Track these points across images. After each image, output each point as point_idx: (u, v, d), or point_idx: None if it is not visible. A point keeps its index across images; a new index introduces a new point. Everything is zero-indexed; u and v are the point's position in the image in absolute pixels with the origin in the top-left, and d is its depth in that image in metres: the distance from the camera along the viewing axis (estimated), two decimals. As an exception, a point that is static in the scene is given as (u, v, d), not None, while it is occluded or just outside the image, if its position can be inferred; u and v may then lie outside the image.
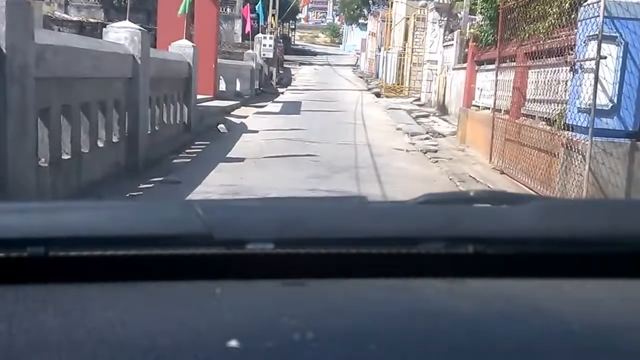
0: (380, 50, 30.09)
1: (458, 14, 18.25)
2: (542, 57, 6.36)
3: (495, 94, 7.82)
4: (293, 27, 58.51)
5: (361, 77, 32.45)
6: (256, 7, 23.21)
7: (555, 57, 5.87)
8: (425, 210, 0.78)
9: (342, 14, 58.59)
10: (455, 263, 0.66)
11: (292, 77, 30.26)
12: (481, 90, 9.78)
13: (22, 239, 0.61)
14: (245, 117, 13.78)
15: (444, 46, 17.28)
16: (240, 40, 30.47)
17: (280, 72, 32.17)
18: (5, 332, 0.51)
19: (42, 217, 0.68)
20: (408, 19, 22.65)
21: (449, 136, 11.65)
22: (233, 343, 0.50)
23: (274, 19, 23.33)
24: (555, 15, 5.91)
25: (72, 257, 0.61)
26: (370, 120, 13.82)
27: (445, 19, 17.95)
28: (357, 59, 44.12)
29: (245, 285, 0.61)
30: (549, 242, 0.69)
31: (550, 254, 0.68)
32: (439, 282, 0.63)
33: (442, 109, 16.43)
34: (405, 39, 22.96)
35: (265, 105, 17.00)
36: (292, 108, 16.09)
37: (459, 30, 15.88)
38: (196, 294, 0.60)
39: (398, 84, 23.00)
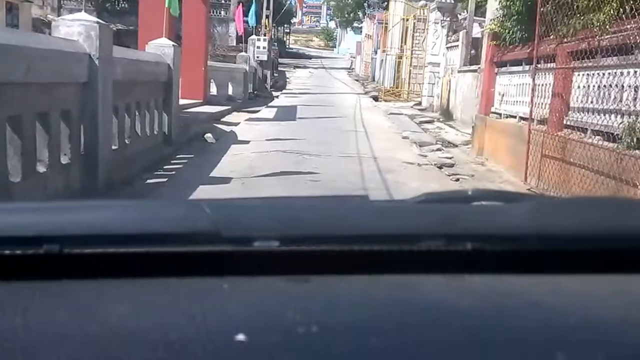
0: (376, 52, 28.95)
1: (459, 14, 17.16)
2: (594, 57, 5.19)
3: (532, 101, 6.63)
4: (288, 30, 57.69)
5: (357, 80, 31.31)
6: (250, 9, 22.08)
7: (618, 56, 4.71)
8: (424, 209, 0.81)
9: (336, 17, 57.58)
10: (454, 260, 0.66)
11: (287, 80, 29.09)
12: (503, 95, 8.61)
13: (38, 237, 0.62)
14: (236, 124, 12.58)
15: (447, 47, 16.16)
16: (234, 43, 29.58)
17: (275, 75, 31.08)
18: (21, 326, 0.53)
19: (57, 216, 0.70)
20: (406, 20, 21.51)
21: (462, 146, 10.47)
22: (240, 337, 0.51)
23: (268, 20, 22.12)
24: (615, 4, 4.73)
25: (86, 254, 0.62)
26: (372, 127, 12.64)
27: (448, 19, 16.81)
28: (352, 62, 43.07)
29: (251, 281, 0.63)
30: (545, 239, 0.70)
31: (546, 250, 0.69)
32: (438, 278, 0.64)
33: (446, 114, 15.29)
34: (403, 40, 21.82)
35: (259, 111, 15.81)
36: (287, 113, 14.90)
37: (464, 30, 14.75)
38: (204, 290, 0.61)
39: (396, 88, 21.84)
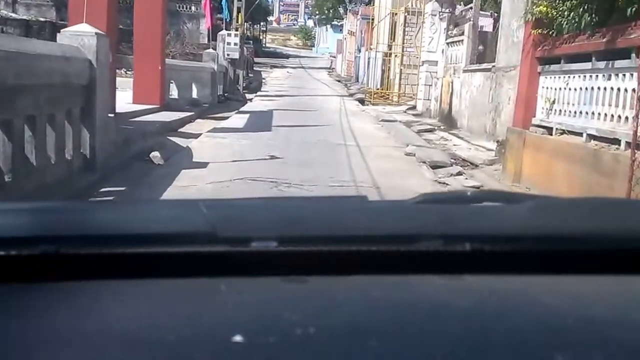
0: (360, 51, 26.59)
1: (457, 5, 14.89)
2: None
3: (639, 116, 4.29)
4: (264, 29, 55.23)
5: (339, 81, 28.92)
6: (222, 2, 19.64)
7: None
8: (423, 209, 0.81)
9: (314, 15, 55.18)
10: (453, 260, 0.66)
11: (263, 81, 26.61)
12: (553, 102, 6.28)
13: (35, 238, 0.61)
14: (197, 135, 10.12)
15: (447, 43, 13.88)
16: (206, 41, 27.43)
17: (250, 75, 28.62)
18: (18, 327, 0.52)
19: (53, 217, 0.70)
20: (395, 14, 19.19)
21: (485, 166, 8.15)
22: (237, 338, 0.50)
23: (240, 13, 19.58)
24: None
25: (83, 255, 0.62)
26: (365, 139, 10.28)
27: (448, 10, 14.51)
28: (332, 62, 40.70)
29: (249, 282, 0.62)
30: (543, 239, 0.70)
31: (545, 250, 0.69)
32: (437, 279, 0.64)
33: (448, 121, 13.01)
34: (392, 37, 19.50)
35: (228, 117, 13.38)
36: (261, 121, 12.50)
37: (470, 22, 12.46)
38: (202, 291, 0.60)
39: (384, 89, 19.50)
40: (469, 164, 8.48)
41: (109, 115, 7.52)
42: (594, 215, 0.79)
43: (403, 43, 17.65)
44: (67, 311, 0.56)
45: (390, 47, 19.29)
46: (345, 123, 12.83)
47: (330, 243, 0.65)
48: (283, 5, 75.26)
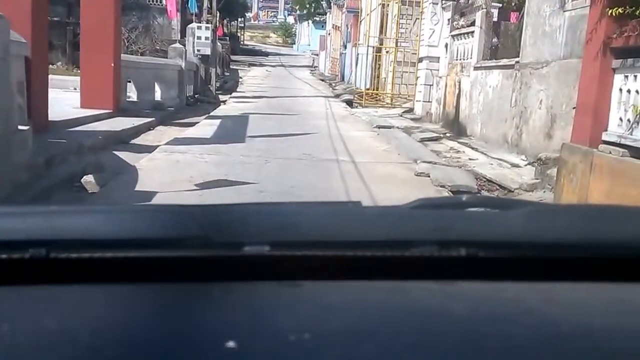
0: (346, 47, 24.61)
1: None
2: None
3: None
4: (242, 25, 53.09)
5: (322, 80, 26.93)
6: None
7: None
8: (418, 215, 0.79)
9: (295, 11, 53.07)
10: (447, 266, 0.66)
11: (240, 80, 24.53)
12: (643, 110, 4.38)
13: (24, 241, 0.61)
14: (153, 148, 8.10)
15: (452, 36, 11.99)
16: (179, 37, 25.55)
17: (226, 74, 26.57)
18: (7, 331, 0.52)
19: (43, 220, 0.69)
20: (386, 4, 17.29)
21: (521, 191, 6.25)
22: (230, 343, 0.49)
23: (211, 3, 17.46)
24: None
25: (73, 259, 0.61)
26: (362, 153, 8.36)
27: (451, -2, 12.61)
28: (314, 60, 38.70)
29: (242, 286, 0.62)
30: (539, 246, 0.69)
31: (540, 257, 0.68)
32: (432, 285, 0.64)
33: (455, 127, 11.15)
34: (383, 30, 17.58)
35: (196, 123, 11.37)
36: (234, 128, 10.54)
37: (482, 10, 10.58)
38: (195, 295, 0.60)
39: (374, 89, 17.58)
40: (497, 187, 6.58)
41: (21, 127, 5.51)
42: (589, 222, 0.78)
43: (397, 37, 15.69)
44: (58, 316, 0.55)
45: (381, 42, 17.34)
46: (335, 130, 10.88)
47: (324, 248, 0.65)
48: (262, 1, 73.03)
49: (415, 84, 13.99)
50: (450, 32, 12.01)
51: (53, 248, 0.60)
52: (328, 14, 34.03)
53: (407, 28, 15.72)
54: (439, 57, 12.66)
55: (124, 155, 7.46)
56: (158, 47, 23.18)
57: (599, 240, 0.70)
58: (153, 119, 11.11)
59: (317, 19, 44.12)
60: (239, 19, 49.74)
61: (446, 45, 12.25)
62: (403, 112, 13.98)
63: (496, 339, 0.54)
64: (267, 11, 73.98)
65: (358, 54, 19.32)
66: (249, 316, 0.55)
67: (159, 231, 0.65)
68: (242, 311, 0.56)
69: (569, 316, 0.59)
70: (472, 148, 9.62)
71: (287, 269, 0.62)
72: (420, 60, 13.48)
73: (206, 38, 15.71)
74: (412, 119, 12.98)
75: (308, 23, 48.38)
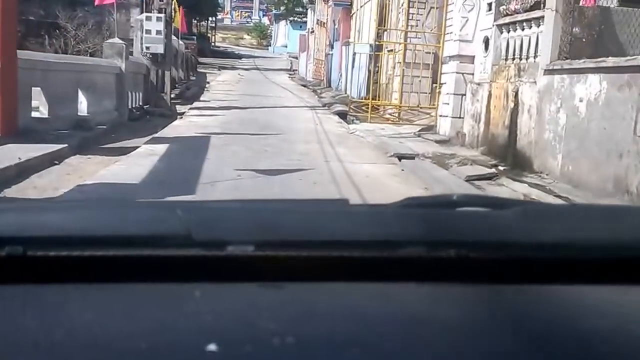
0: (333, 47, 21.01)
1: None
2: None
3: None
4: (213, 25, 49.23)
5: (304, 86, 23.24)
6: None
7: None
8: (407, 214, 0.77)
9: (272, 10, 49.31)
10: (436, 267, 0.64)
11: (207, 86, 20.75)
12: None
13: (0, 239, 0.59)
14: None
15: (497, 26, 8.51)
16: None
17: (192, 78, 22.82)
18: None
19: (20, 217, 0.67)
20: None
21: None
22: (212, 347, 0.48)
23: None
24: None
25: (51, 257, 0.60)
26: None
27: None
28: (292, 63, 35.03)
29: (224, 287, 0.60)
30: (531, 246, 0.68)
31: (532, 258, 0.67)
32: (420, 286, 0.62)
33: (509, 157, 7.70)
34: (383, 23, 13.97)
35: (132, 149, 7.74)
36: (183, 163, 6.96)
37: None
38: (175, 296, 0.58)
39: (372, 98, 13.85)
40: None
41: None
42: (583, 222, 0.76)
43: (406, 29, 12.08)
44: (35, 316, 0.54)
45: (379, 36, 13.69)
46: (336, 163, 7.29)
47: (309, 248, 0.63)
48: (235, 1, 69.15)
49: (439, 93, 10.42)
50: (495, 20, 8.49)
51: (31, 246, 0.58)
52: (310, 9, 30.30)
53: (417, 20, 12.19)
54: (473, 57, 9.17)
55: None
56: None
57: (592, 240, 0.68)
58: (65, 145, 7.43)
59: (296, 18, 40.45)
60: (210, 19, 45.89)
61: (486, 40, 8.75)
62: (420, 131, 10.43)
63: (485, 341, 0.52)
64: (241, 12, 70.02)
65: (355, 54, 15.65)
66: (231, 319, 0.54)
67: (140, 228, 0.63)
68: (223, 314, 0.55)
69: (560, 318, 0.58)
70: (554, 194, 6.12)
71: (271, 270, 0.60)
72: (446, 61, 9.94)
73: (157, 32, 11.99)
74: (436, 142, 9.43)
75: (285, 23, 44.58)
